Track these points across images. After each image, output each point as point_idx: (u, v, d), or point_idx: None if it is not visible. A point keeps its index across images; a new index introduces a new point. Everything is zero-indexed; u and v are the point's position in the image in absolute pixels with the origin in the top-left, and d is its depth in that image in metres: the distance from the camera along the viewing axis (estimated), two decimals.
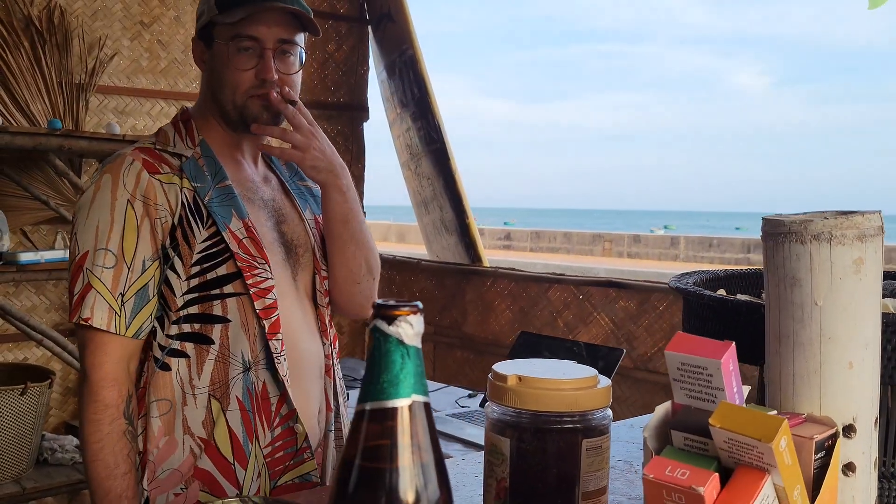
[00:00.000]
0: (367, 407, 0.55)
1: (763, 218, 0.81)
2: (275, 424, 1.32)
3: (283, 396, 1.32)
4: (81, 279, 1.25)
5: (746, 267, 1.30)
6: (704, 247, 17.54)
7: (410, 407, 0.55)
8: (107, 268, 1.24)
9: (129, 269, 1.25)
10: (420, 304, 0.55)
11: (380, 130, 4.59)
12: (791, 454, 0.64)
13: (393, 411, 0.54)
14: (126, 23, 3.64)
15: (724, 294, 1.06)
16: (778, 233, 0.78)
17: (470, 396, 3.03)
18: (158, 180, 1.29)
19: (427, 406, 0.56)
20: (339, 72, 4.36)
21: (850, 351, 0.76)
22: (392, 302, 0.55)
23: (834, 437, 0.73)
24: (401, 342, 0.54)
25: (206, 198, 1.30)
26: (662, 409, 0.73)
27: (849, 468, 0.77)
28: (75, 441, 3.13)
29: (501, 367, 0.96)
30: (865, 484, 0.78)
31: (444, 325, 4.02)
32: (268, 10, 1.30)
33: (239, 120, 1.36)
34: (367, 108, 4.38)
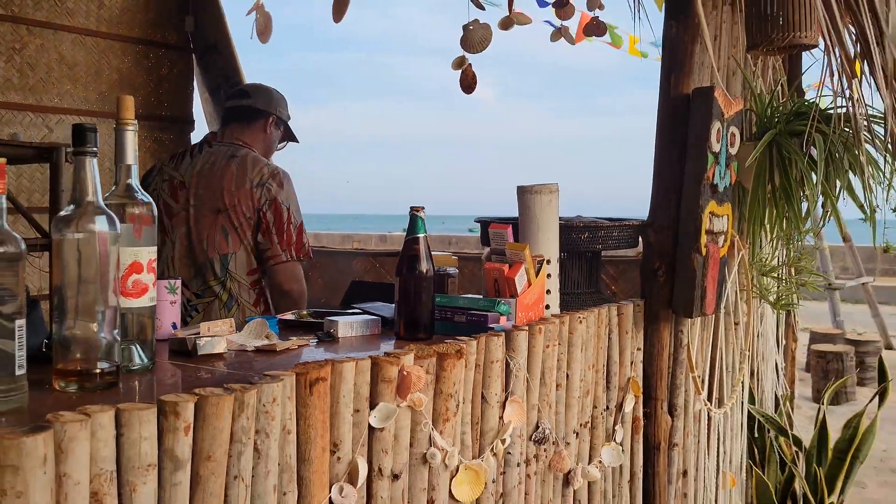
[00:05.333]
0: (408, 237, 1.80)
1: (517, 186, 2.13)
2: None
3: None
4: (305, 235, 2.50)
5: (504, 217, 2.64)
6: (445, 244, 19.49)
7: (424, 237, 1.80)
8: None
9: None
10: (423, 206, 1.80)
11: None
12: (529, 255, 1.96)
13: (419, 238, 1.80)
14: (1, 48, 4.40)
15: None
16: (524, 191, 2.10)
17: None
18: None
19: (427, 239, 1.81)
20: (170, 91, 5.32)
21: (549, 232, 2.10)
22: (417, 205, 1.80)
23: (542, 261, 2.06)
24: (420, 217, 1.80)
25: None
26: (486, 251, 2.03)
27: (549, 275, 2.11)
28: None
29: None
30: (555, 285, 2.13)
31: None
32: None
33: None
34: (193, 121, 5.38)
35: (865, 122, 2.37)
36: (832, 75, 1.61)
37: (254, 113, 2.60)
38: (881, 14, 1.31)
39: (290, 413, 1.26)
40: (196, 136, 5.58)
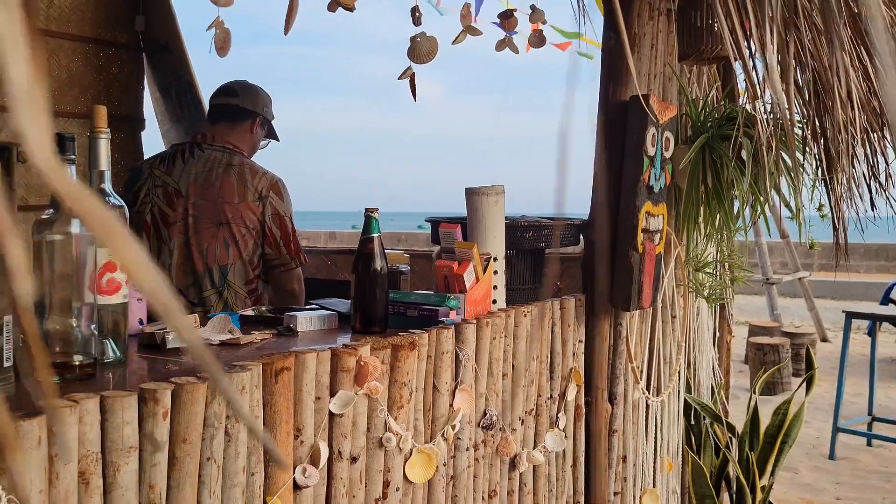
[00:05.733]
0: (363, 237, 1.91)
1: (466, 188, 2.26)
2: None
3: None
4: (299, 241, 2.59)
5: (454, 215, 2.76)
6: (394, 241, 19.60)
7: (378, 237, 1.92)
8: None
9: None
10: (378, 208, 1.92)
11: (154, 137, 5.56)
12: (477, 253, 2.08)
13: (373, 238, 1.91)
14: None
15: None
16: (472, 192, 2.23)
17: None
18: None
19: (381, 238, 1.93)
20: (120, 90, 5.33)
21: (496, 231, 2.23)
22: (372, 206, 1.91)
23: (489, 259, 2.18)
24: (375, 218, 1.91)
25: None
26: (437, 248, 2.15)
27: (495, 272, 2.24)
28: None
29: None
30: (501, 281, 2.26)
31: None
32: None
33: None
34: (144, 120, 5.40)
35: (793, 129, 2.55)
36: (737, 94, 1.77)
37: (241, 113, 2.70)
38: (768, 45, 1.45)
39: (257, 400, 1.37)
40: (147, 135, 5.62)
